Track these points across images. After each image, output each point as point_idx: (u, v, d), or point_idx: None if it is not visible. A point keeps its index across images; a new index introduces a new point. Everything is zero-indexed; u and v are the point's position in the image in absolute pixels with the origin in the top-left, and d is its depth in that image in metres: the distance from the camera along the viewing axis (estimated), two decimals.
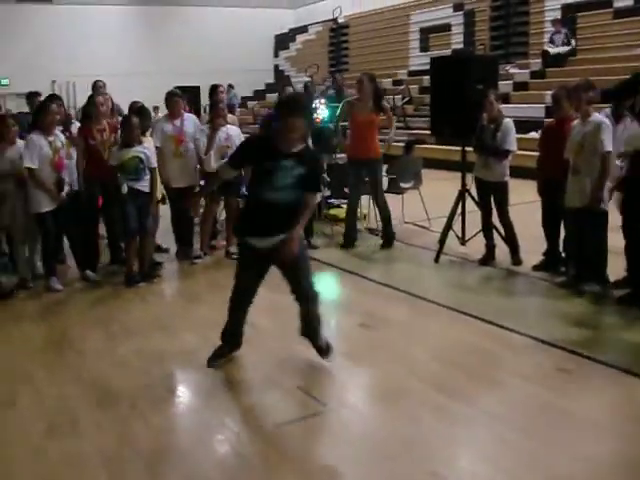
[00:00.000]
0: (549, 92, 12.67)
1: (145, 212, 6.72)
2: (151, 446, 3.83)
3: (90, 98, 7.37)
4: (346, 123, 8.40)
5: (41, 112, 6.59)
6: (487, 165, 6.94)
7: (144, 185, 6.68)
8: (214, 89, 8.60)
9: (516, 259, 7.03)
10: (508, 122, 6.91)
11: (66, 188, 6.62)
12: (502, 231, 7.11)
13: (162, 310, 6.27)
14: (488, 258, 7.19)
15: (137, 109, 7.29)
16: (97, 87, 8.88)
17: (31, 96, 9.02)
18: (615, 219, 5.92)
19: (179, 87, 8.59)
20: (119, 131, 6.97)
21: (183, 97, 7.74)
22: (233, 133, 7.63)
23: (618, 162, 6.03)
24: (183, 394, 4.63)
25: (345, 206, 9.21)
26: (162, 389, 4.55)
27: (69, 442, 3.89)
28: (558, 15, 16.86)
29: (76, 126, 7.64)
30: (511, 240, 7.06)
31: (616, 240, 5.89)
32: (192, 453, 3.73)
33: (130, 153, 6.60)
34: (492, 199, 7.05)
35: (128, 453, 3.77)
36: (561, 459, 3.55)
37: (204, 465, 3.63)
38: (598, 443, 3.71)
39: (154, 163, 6.76)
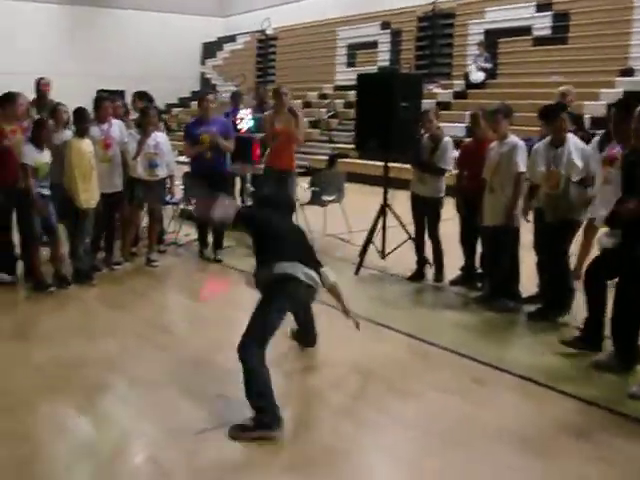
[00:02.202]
0: (470, 113, 13.08)
1: (50, 216, 6.61)
2: (67, 452, 3.79)
3: (6, 96, 7.01)
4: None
5: None
6: (423, 180, 7.02)
7: (47, 190, 6.59)
8: (145, 95, 8.56)
9: (439, 276, 7.13)
10: (447, 141, 7.01)
11: None
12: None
13: (81, 316, 6.16)
14: (418, 275, 7.25)
15: (76, 111, 7.05)
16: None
17: None
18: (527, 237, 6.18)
19: (105, 90, 8.48)
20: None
21: (116, 101, 7.64)
22: (161, 140, 7.59)
23: None
24: (102, 401, 4.56)
25: None
26: (81, 396, 4.48)
27: None
28: (481, 39, 17.42)
29: None
30: (438, 257, 7.13)
31: (529, 257, 6.16)
32: (110, 461, 3.71)
33: (45, 158, 6.49)
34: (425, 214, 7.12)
35: (44, 460, 3.72)
36: (474, 469, 3.68)
37: (122, 473, 3.61)
38: (511, 453, 3.86)
39: None
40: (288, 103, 8.30)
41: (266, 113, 8.86)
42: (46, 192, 6.58)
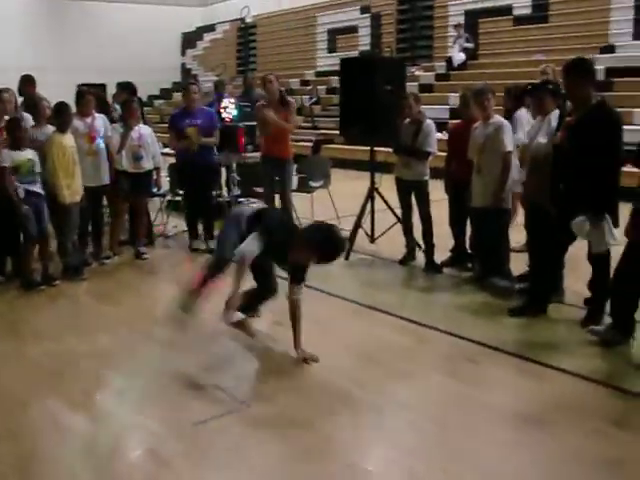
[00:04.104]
0: (453, 94, 13.10)
1: (43, 214, 6.55)
2: (66, 450, 3.78)
3: None
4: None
5: None
6: (407, 165, 6.97)
7: (39, 187, 6.51)
8: (127, 87, 8.52)
9: (430, 260, 7.01)
10: (429, 124, 6.97)
11: None
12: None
13: (73, 311, 6.14)
14: (409, 258, 7.27)
15: (56, 106, 6.99)
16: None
17: None
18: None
19: (86, 85, 8.41)
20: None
21: (94, 95, 7.59)
22: (145, 132, 7.56)
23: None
24: (98, 396, 4.55)
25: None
26: (77, 392, 4.47)
27: None
28: (461, 20, 17.41)
29: None
30: (427, 237, 7.02)
31: (517, 237, 6.19)
32: (110, 456, 3.70)
33: (24, 155, 6.40)
34: (412, 198, 7.08)
35: (43, 457, 3.71)
36: (472, 445, 3.71)
37: (124, 468, 3.61)
38: (507, 429, 3.90)
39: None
40: (277, 91, 8.11)
41: (258, 103, 8.71)
42: (38, 190, 6.51)
